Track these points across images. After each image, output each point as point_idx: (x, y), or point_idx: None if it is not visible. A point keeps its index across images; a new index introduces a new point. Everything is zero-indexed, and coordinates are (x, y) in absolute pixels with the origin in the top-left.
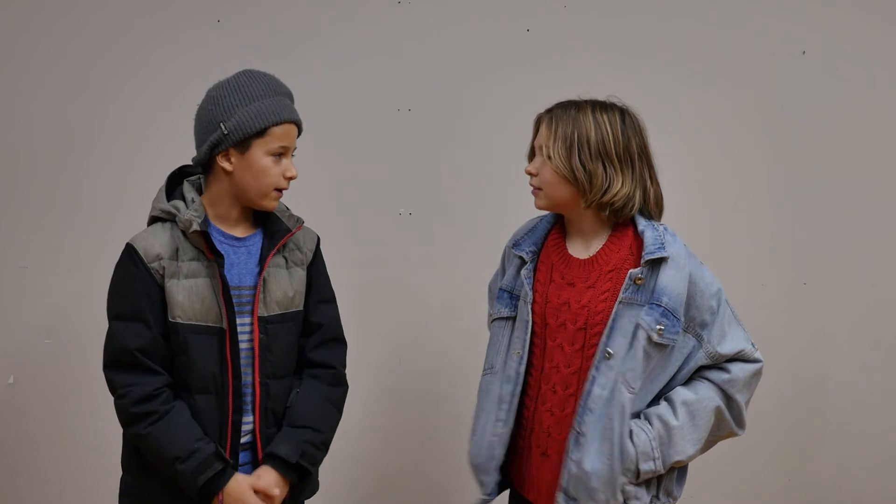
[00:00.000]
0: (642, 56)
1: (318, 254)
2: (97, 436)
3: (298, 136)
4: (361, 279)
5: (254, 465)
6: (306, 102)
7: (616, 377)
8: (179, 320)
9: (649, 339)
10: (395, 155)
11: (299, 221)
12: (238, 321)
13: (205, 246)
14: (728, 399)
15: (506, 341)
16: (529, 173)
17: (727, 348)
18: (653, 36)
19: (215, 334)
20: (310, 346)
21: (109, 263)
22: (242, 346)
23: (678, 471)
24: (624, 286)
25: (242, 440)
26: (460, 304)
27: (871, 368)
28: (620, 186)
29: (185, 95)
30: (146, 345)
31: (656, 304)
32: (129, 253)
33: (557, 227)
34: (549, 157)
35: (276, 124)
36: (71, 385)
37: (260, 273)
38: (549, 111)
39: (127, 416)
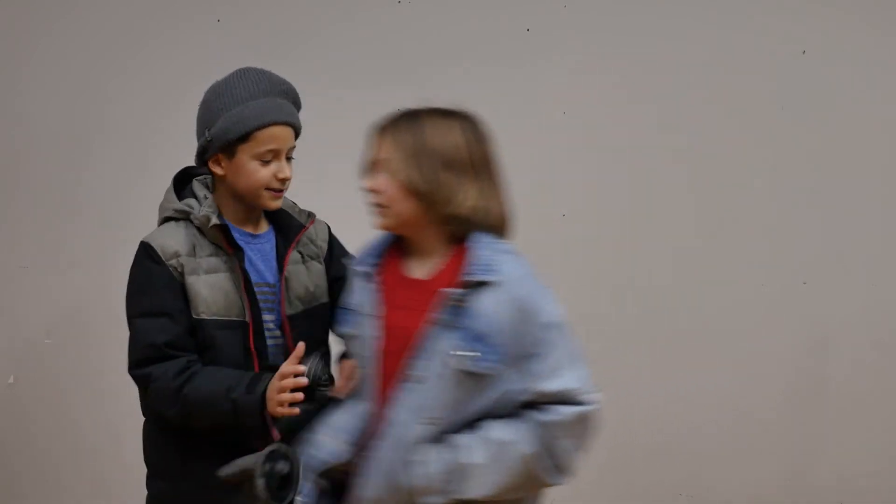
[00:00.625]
0: (642, 56)
1: (333, 242)
2: (98, 435)
3: (298, 136)
4: None
5: None
6: (306, 102)
7: (413, 404)
8: (204, 316)
9: (461, 366)
10: None
11: (311, 216)
12: (262, 318)
13: (224, 240)
14: (548, 445)
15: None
16: (372, 190)
17: (552, 386)
18: (653, 36)
19: (238, 328)
20: None
21: (109, 263)
22: (269, 342)
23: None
24: (440, 306)
25: None
26: None
27: (871, 368)
28: (466, 197)
29: (185, 95)
30: (174, 339)
31: (470, 329)
32: (146, 250)
33: (396, 244)
34: (396, 171)
35: (261, 128)
36: (71, 384)
37: (281, 271)
38: (389, 124)
39: (167, 395)
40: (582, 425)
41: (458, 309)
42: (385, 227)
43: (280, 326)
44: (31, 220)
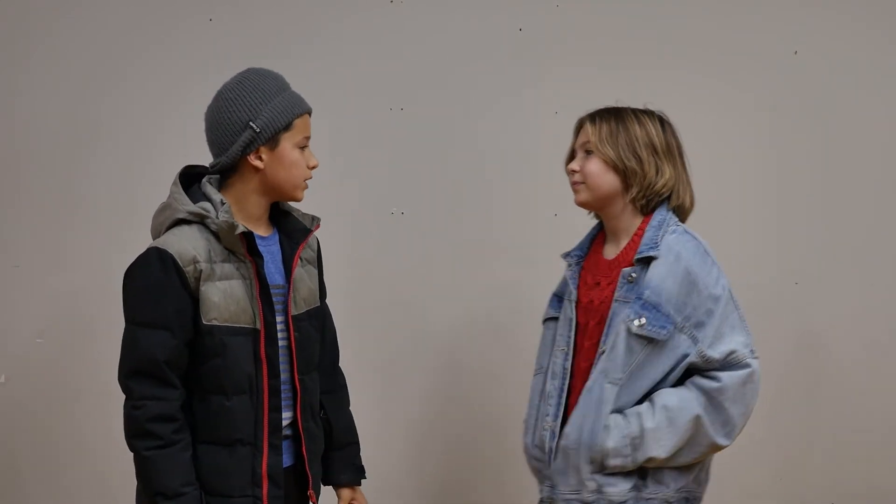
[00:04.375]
0: (634, 55)
1: (319, 250)
2: (91, 434)
3: None
4: (354, 278)
5: (296, 456)
6: None
7: (603, 369)
8: (216, 322)
9: (629, 330)
10: (387, 154)
11: (316, 220)
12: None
13: (244, 247)
14: (715, 408)
15: (550, 341)
16: (572, 171)
17: (719, 351)
18: (644, 36)
19: (249, 335)
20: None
21: (103, 262)
22: (279, 343)
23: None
24: (619, 284)
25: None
26: (453, 303)
27: (863, 368)
28: (669, 177)
29: (179, 95)
30: (172, 356)
31: (637, 298)
32: (160, 258)
33: (601, 233)
34: (596, 149)
35: (298, 116)
36: (63, 384)
37: (291, 273)
38: (590, 114)
39: (136, 429)
40: (749, 388)
41: (632, 286)
42: (582, 202)
43: (286, 328)
44: (24, 220)
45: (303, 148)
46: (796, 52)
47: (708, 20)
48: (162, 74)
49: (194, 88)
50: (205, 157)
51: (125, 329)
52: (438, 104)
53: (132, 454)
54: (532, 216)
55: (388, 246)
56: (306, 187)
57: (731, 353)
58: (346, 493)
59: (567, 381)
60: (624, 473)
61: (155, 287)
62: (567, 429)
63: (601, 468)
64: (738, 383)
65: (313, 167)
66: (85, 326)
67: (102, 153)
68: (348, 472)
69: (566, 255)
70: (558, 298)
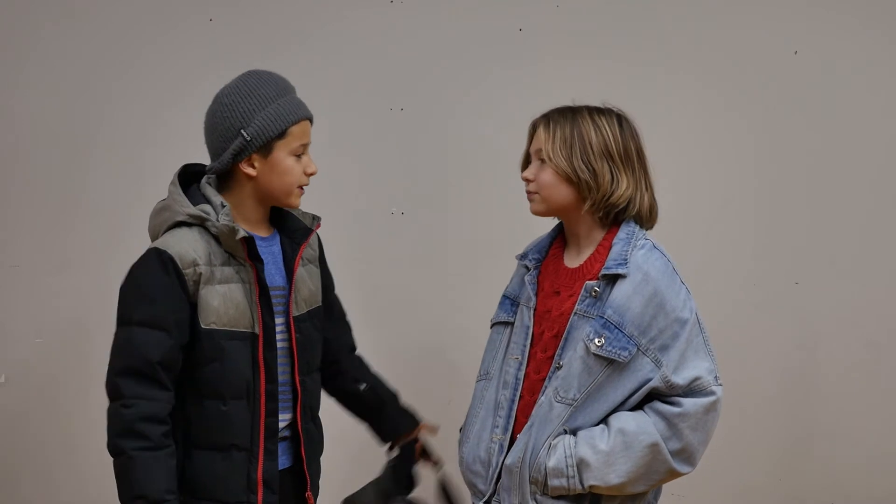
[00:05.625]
0: (634, 56)
1: (322, 247)
2: (90, 434)
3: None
4: (352, 278)
5: (294, 456)
6: None
7: (556, 386)
8: (214, 326)
9: (587, 350)
10: (387, 154)
11: (317, 219)
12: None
13: (245, 252)
14: (674, 435)
15: (503, 347)
16: (526, 179)
17: (683, 377)
18: (644, 36)
19: (247, 339)
20: (336, 329)
21: (102, 262)
22: (279, 345)
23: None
24: (580, 298)
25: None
26: (451, 303)
27: (863, 368)
28: (626, 187)
29: (179, 94)
30: (166, 357)
31: (599, 317)
32: (161, 259)
33: (561, 236)
34: (549, 159)
35: (295, 123)
36: (62, 384)
37: (292, 274)
38: (544, 116)
39: (124, 428)
40: (711, 416)
41: (594, 300)
42: (537, 212)
43: (287, 329)
44: (23, 220)
45: (300, 155)
46: (796, 52)
47: (708, 20)
48: (162, 74)
49: (194, 88)
50: (205, 158)
51: (118, 329)
52: (438, 104)
53: (113, 458)
54: (532, 217)
55: (388, 246)
56: (302, 193)
57: (696, 379)
58: (425, 427)
59: (519, 392)
60: (574, 498)
61: (154, 288)
62: (514, 446)
63: (544, 489)
64: (701, 411)
65: (311, 174)
66: (85, 327)
67: (102, 153)
68: (408, 417)
69: (522, 258)
70: (511, 302)
